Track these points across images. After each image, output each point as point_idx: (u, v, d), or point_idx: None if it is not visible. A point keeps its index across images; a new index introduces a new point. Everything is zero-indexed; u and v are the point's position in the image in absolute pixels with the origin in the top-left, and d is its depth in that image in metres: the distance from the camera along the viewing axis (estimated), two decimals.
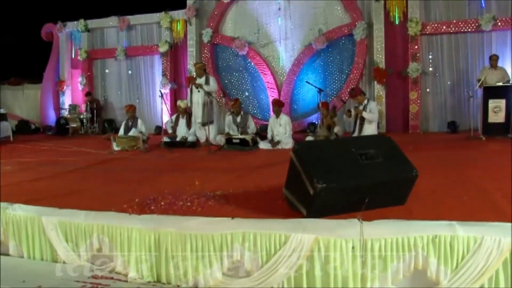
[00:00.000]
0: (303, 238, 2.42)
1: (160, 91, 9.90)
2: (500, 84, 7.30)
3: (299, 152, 2.61)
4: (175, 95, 11.76)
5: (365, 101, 6.54)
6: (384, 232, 2.35)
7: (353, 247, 2.36)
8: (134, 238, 2.82)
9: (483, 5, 8.74)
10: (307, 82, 8.99)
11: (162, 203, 3.24)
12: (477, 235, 2.24)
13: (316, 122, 10.11)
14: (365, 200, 2.52)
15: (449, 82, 9.29)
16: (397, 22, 9.37)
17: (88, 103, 11.52)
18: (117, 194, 3.69)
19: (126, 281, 2.80)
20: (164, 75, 11.59)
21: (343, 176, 2.48)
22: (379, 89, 9.62)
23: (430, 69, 9.37)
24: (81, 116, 11.49)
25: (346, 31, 9.89)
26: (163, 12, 11.50)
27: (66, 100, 12.53)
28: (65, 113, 11.92)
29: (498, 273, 2.21)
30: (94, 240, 2.98)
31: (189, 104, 7.64)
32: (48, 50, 13.03)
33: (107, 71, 12.57)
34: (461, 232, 2.27)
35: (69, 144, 8.35)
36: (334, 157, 2.58)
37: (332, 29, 10.02)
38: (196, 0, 11.18)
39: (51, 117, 12.70)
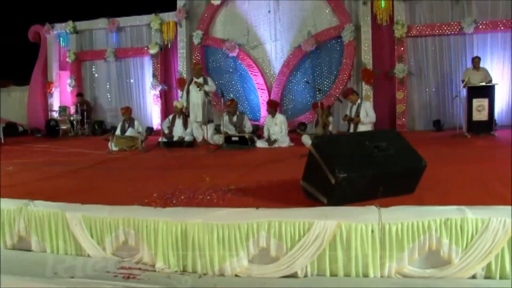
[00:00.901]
0: (326, 224, 2.62)
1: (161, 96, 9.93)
2: (483, 84, 7.68)
3: (319, 146, 2.81)
4: (166, 96, 11.86)
5: (358, 101, 6.78)
6: (400, 217, 2.58)
7: (372, 231, 2.57)
8: (161, 229, 2.96)
9: (465, 4, 9.13)
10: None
11: (182, 197, 3.40)
12: (484, 217, 2.49)
13: (306, 122, 10.39)
14: (380, 189, 2.74)
15: (433, 83, 9.69)
16: (383, 25, 9.69)
17: (79, 104, 11.48)
18: (133, 190, 3.82)
19: (154, 271, 2.93)
20: (154, 76, 11.66)
21: (360, 166, 2.70)
22: (367, 90, 9.93)
23: (416, 70, 9.73)
24: (71, 118, 11.44)
25: (334, 33, 10.17)
26: (153, 14, 11.57)
27: (55, 102, 12.45)
28: (54, 115, 11.84)
29: (504, 251, 2.47)
30: (120, 233, 3.11)
31: (185, 104, 7.74)
32: (34, 52, 12.92)
33: (95, 73, 12.55)
34: (470, 215, 2.52)
35: (62, 146, 8.36)
36: (351, 150, 2.80)
37: (321, 31, 10.28)
38: (186, 3, 11.29)
39: (39, 119, 12.59)
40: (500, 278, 2.47)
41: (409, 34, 9.51)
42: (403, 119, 9.66)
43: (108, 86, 12.48)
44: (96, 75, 12.56)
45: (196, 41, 11.23)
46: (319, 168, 2.79)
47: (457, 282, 2.46)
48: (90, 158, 6.21)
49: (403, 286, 2.48)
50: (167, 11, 11.54)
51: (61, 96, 12.55)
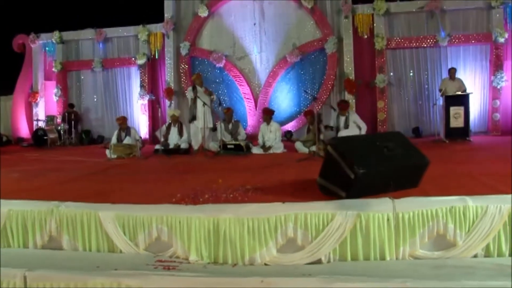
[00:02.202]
0: (347, 215, 2.98)
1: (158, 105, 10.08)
2: (459, 93, 8.32)
3: (336, 146, 3.19)
4: (153, 106, 12.03)
5: (347, 113, 7.22)
6: (412, 206, 2.97)
7: (388, 219, 2.95)
8: (194, 225, 3.24)
9: (439, 18, 9.83)
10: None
11: (206, 196, 3.69)
12: (483, 204, 2.92)
13: (292, 130, 10.81)
14: (390, 183, 3.14)
15: (412, 92, 10.32)
16: (364, 37, 10.27)
17: (66, 114, 11.51)
18: (156, 191, 4.08)
19: (189, 263, 3.21)
20: (142, 86, 11.83)
21: (375, 163, 3.09)
22: (349, 99, 10.42)
23: (395, 80, 10.34)
24: (58, 127, 11.44)
25: (318, 45, 10.67)
26: (140, 26, 11.76)
27: (40, 112, 12.40)
28: (40, 124, 11.80)
29: (500, 233, 2.90)
30: (153, 229, 3.36)
31: (194, 113, 7.85)
32: (17, 61, 12.84)
33: (82, 83, 12.60)
34: (471, 203, 2.94)
35: (56, 154, 8.44)
36: (364, 149, 3.18)
37: (305, 43, 10.77)
38: (173, 14, 11.56)
39: (23, 129, 12.51)
40: (498, 256, 2.91)
41: (389, 46, 10.12)
42: (384, 127, 10.21)
43: (94, 96, 12.54)
44: (82, 85, 12.60)
45: (183, 52, 11.50)
46: (337, 166, 3.16)
47: (462, 261, 2.86)
48: (94, 165, 6.37)
49: (416, 267, 2.85)
50: (154, 23, 11.77)
51: (46, 106, 12.51)
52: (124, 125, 7.99)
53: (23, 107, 12.60)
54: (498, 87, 9.46)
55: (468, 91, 8.55)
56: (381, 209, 2.98)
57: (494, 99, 9.54)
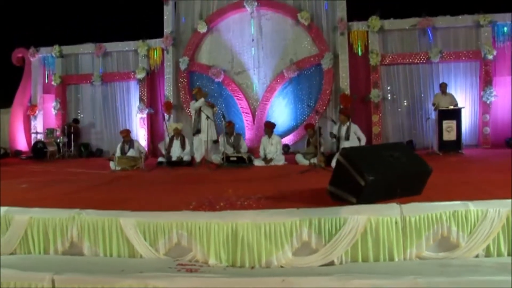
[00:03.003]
0: (358, 219, 3.20)
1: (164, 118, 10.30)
2: (452, 107, 8.67)
3: (347, 155, 3.43)
4: (152, 119, 12.22)
5: (348, 123, 7.49)
6: (417, 211, 3.21)
7: (396, 223, 3.19)
8: (213, 230, 3.43)
9: (430, 36, 10.27)
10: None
11: (222, 203, 3.88)
12: (483, 208, 3.17)
13: (289, 144, 11.06)
14: (397, 189, 3.38)
15: (405, 106, 10.68)
16: (359, 54, 10.64)
17: (66, 127, 11.63)
18: (171, 199, 4.27)
19: (208, 266, 3.39)
20: (141, 100, 12.02)
21: (383, 170, 3.34)
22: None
23: (389, 95, 10.70)
24: (58, 140, 11.54)
25: (314, 61, 11.00)
26: (140, 40, 12.01)
27: (38, 125, 12.50)
28: (38, 137, 11.90)
29: (499, 235, 3.16)
30: (173, 235, 3.54)
31: (194, 125, 8.14)
32: (15, 75, 12.97)
33: (81, 96, 12.75)
34: (472, 207, 3.19)
35: (58, 167, 8.55)
36: (372, 158, 3.43)
37: (302, 58, 11.09)
38: (173, 30, 11.84)
39: (21, 142, 12.58)
40: (497, 256, 3.16)
41: (383, 63, 10.50)
42: (379, 140, 10.50)
43: (93, 110, 12.67)
44: (81, 98, 12.75)
45: (182, 66, 11.73)
46: (348, 174, 3.40)
47: (465, 260, 3.10)
48: (103, 176, 6.52)
49: (423, 266, 3.08)
50: (154, 38, 12.03)
51: (44, 119, 12.62)
52: (127, 138, 8.16)
53: (21, 120, 12.69)
54: (488, 102, 9.87)
55: (459, 105, 8.90)
56: (389, 214, 3.21)
57: (484, 113, 9.93)
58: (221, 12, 11.63)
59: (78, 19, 12.96)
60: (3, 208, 4.05)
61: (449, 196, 3.48)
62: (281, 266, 3.33)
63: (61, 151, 11.49)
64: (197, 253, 3.49)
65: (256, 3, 11.16)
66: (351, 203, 3.44)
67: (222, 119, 8.08)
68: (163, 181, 5.83)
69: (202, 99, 8.11)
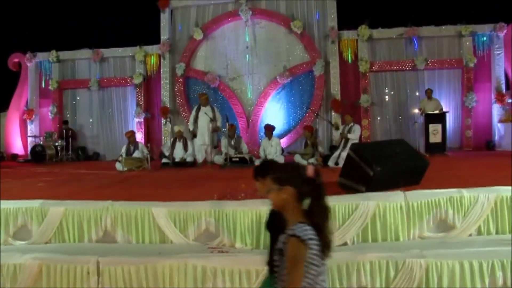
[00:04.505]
0: (368, 204, 3.68)
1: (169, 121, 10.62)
2: (437, 112, 9.29)
3: (357, 150, 3.92)
4: (148, 124, 12.53)
5: (351, 123, 8.05)
6: (419, 197, 3.72)
7: (401, 207, 3.67)
8: (239, 217, 3.85)
9: (416, 45, 10.95)
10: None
11: (242, 194, 4.31)
12: (475, 194, 3.69)
13: (283, 147, 11.52)
14: (400, 180, 3.87)
15: (392, 111, 11.30)
16: (349, 61, 11.23)
17: (64, 130, 11.84)
18: (194, 192, 4.66)
19: (235, 249, 3.80)
20: (138, 105, 12.33)
21: (389, 163, 3.83)
22: (335, 117, 11.27)
23: (378, 100, 11.30)
24: (56, 144, 11.73)
25: (307, 67, 11.52)
26: (137, 47, 12.34)
27: (34, 129, 12.67)
28: (35, 141, 12.07)
29: (488, 217, 3.68)
30: (202, 222, 3.95)
31: (191, 128, 8.57)
32: (10, 79, 13.11)
33: (78, 101, 12.96)
34: (466, 194, 3.72)
35: (60, 169, 8.81)
36: (378, 152, 3.92)
37: (295, 65, 11.60)
38: (169, 36, 12.21)
39: (17, 146, 12.72)
40: (487, 234, 3.67)
41: (372, 69, 11.11)
42: None
43: (90, 114, 12.90)
44: (78, 103, 12.96)
45: (179, 72, 12.10)
46: (357, 166, 3.88)
47: (461, 239, 3.61)
48: (112, 176, 6.86)
49: (425, 243, 3.57)
50: (150, 44, 12.37)
51: (41, 123, 12.80)
52: (132, 139, 8.48)
53: (17, 124, 12.83)
54: (470, 107, 10.57)
55: (444, 110, 9.54)
56: (395, 200, 3.71)
57: (466, 117, 10.63)
58: (217, 20, 12.07)
59: (75, 25, 13.21)
60: (38, 201, 4.38)
61: (446, 185, 4.00)
62: None
63: (59, 154, 11.68)
64: (224, 238, 3.90)
65: (250, 12, 11.64)
66: (361, 192, 3.91)
67: (225, 121, 8.49)
68: (176, 179, 6.21)
69: (205, 108, 8.57)
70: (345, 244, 3.72)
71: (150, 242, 4.09)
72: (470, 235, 3.68)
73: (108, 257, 3.60)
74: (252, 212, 3.85)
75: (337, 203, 3.73)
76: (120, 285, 3.52)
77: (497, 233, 3.66)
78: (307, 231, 1.75)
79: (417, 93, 10.98)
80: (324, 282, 1.80)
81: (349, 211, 3.71)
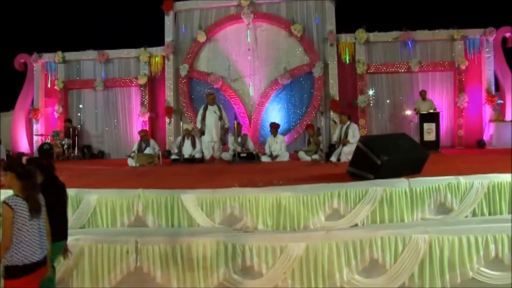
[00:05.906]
0: (377, 190, 4.15)
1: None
2: (431, 111, 9.84)
3: (365, 141, 4.41)
4: (153, 123, 12.91)
5: (348, 122, 8.48)
6: (422, 183, 4.21)
7: (405, 192, 4.15)
8: (261, 202, 4.30)
9: (411, 48, 11.50)
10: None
11: (260, 184, 4.75)
12: (470, 181, 4.19)
13: None
14: (403, 168, 4.36)
15: (388, 111, 11.82)
16: (347, 63, 11.74)
17: (71, 129, 12.16)
18: (216, 182, 5.09)
19: (258, 230, 4.24)
20: (143, 105, 12.70)
21: (394, 153, 4.31)
22: (334, 117, 11.74)
23: (374, 101, 11.82)
24: (62, 142, 12.05)
25: (306, 69, 12.00)
26: (142, 48, 12.71)
27: (40, 128, 12.98)
28: (43, 139, 12.39)
29: (482, 201, 4.17)
30: (227, 207, 4.38)
31: (198, 126, 8.99)
32: (16, 79, 13.40)
33: (83, 101, 13.28)
34: (462, 180, 4.21)
35: (72, 165, 9.13)
36: (384, 144, 4.41)
37: (295, 67, 12.07)
38: (173, 38, 12.61)
39: (23, 144, 13.01)
40: (481, 215, 4.17)
41: (368, 71, 11.63)
42: None
43: (95, 114, 13.22)
44: (83, 103, 13.28)
45: (182, 73, 12.49)
46: (366, 156, 4.36)
47: (457, 220, 4.10)
48: (128, 171, 7.26)
49: (426, 226, 4.04)
50: (155, 46, 12.75)
51: (46, 122, 13.11)
52: (145, 137, 8.89)
53: (23, 123, 13.12)
54: (461, 107, 11.15)
55: (437, 110, 10.08)
56: (400, 186, 4.19)
57: (458, 117, 11.20)
58: (219, 23, 12.50)
59: (81, 26, 13.57)
60: (74, 190, 4.77)
61: (445, 173, 4.49)
62: (315, 229, 4.22)
63: (66, 152, 12.00)
64: (247, 221, 4.34)
65: (252, 15, 12.08)
66: (369, 179, 4.39)
67: (234, 119, 8.92)
68: (190, 173, 6.63)
69: (213, 107, 9.01)
70: (356, 225, 4.19)
71: (179, 226, 4.51)
72: (466, 216, 4.18)
73: (145, 237, 4.01)
74: (272, 198, 4.29)
75: (348, 189, 4.20)
76: (157, 263, 3.94)
77: (489, 214, 4.17)
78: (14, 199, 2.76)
79: (411, 94, 11.50)
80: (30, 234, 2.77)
81: (360, 195, 4.18)
